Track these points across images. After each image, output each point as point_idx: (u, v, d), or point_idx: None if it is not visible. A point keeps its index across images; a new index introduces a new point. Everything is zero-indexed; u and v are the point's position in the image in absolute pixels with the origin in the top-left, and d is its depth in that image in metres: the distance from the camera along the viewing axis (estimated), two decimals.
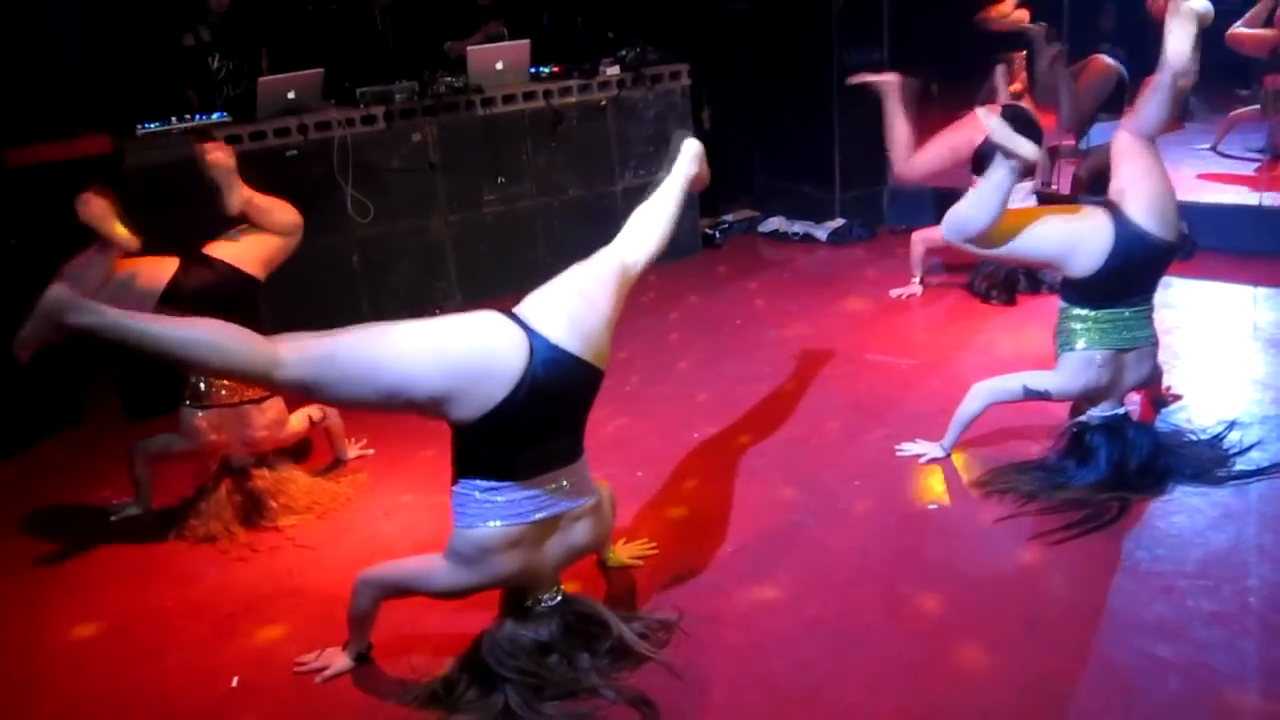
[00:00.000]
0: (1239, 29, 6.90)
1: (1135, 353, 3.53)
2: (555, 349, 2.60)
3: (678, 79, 6.45)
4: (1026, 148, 3.32)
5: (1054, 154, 6.65)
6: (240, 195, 3.70)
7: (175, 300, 3.54)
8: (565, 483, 2.71)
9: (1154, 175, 3.44)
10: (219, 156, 3.67)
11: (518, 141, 6.01)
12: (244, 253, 3.74)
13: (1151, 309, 3.55)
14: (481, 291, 5.82)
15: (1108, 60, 6.55)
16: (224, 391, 3.71)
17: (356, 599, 2.82)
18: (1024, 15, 7.45)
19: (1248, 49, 6.94)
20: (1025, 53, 7.26)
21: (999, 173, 3.35)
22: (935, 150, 5.33)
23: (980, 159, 5.36)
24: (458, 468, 2.68)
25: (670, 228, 3.07)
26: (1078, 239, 3.42)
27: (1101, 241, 3.38)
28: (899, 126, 5.34)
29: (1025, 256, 3.64)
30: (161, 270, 3.62)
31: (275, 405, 3.82)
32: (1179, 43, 3.36)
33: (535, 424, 2.62)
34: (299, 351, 2.45)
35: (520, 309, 2.70)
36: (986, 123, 3.43)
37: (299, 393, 2.54)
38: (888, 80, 5.34)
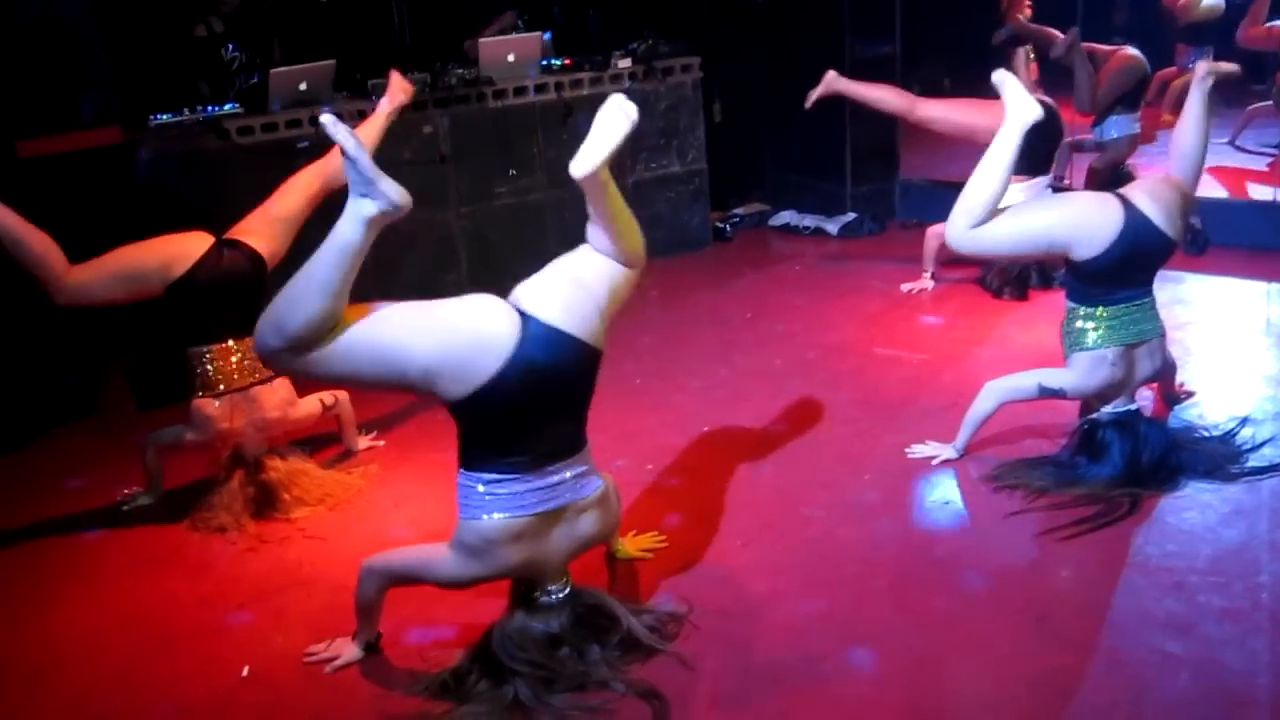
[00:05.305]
0: (1245, 30, 7.06)
1: (1145, 346, 3.52)
2: (548, 327, 2.60)
3: (689, 72, 6.44)
4: (1031, 110, 3.35)
5: (1071, 147, 6.62)
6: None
7: (195, 281, 3.62)
8: (569, 474, 2.71)
9: (1166, 179, 3.55)
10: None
11: (529, 134, 6.00)
12: (263, 241, 3.76)
13: (1153, 300, 3.54)
14: (493, 283, 5.73)
15: (1133, 53, 6.52)
16: (235, 376, 3.72)
17: (361, 586, 2.83)
18: (1026, 12, 7.45)
19: (1260, 45, 7.04)
20: (1032, 45, 7.23)
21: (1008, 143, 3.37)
22: (955, 111, 5.35)
23: None
24: (462, 455, 2.69)
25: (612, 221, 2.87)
26: (1086, 218, 3.42)
27: (1111, 222, 3.38)
28: (870, 95, 5.49)
29: (1034, 246, 3.61)
30: (195, 245, 3.67)
31: (284, 384, 3.83)
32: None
33: (533, 404, 2.61)
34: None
35: (512, 295, 2.73)
36: (998, 78, 3.43)
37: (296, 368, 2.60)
38: (827, 81, 5.47)
